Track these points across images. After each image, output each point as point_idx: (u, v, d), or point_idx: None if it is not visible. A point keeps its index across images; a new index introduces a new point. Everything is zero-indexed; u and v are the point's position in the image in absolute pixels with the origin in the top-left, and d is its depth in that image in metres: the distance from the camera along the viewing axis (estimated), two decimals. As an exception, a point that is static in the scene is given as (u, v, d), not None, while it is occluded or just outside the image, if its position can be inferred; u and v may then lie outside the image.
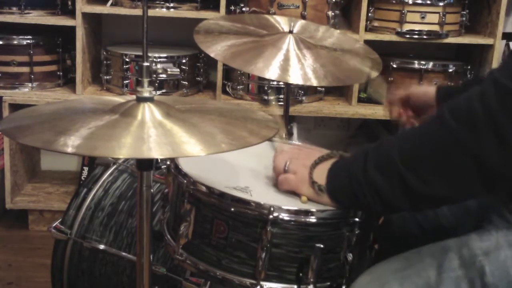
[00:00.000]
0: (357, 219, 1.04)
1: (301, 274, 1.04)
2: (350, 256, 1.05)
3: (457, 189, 0.95)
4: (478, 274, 0.96)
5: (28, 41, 2.42)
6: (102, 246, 1.48)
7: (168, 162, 1.18)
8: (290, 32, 1.55)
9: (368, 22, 2.43)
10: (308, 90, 2.47)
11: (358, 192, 1.00)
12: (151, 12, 2.34)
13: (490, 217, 1.07)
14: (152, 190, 1.06)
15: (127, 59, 2.39)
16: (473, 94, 0.93)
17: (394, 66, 2.45)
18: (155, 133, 0.94)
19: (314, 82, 1.46)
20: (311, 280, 1.03)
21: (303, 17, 2.32)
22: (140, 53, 1.04)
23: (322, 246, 1.03)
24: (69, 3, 2.43)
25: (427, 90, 1.42)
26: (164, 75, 2.39)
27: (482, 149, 0.90)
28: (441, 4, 2.39)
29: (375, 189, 0.99)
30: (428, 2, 2.40)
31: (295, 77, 1.44)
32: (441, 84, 1.34)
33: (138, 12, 2.34)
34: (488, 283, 0.95)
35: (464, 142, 0.91)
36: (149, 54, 2.24)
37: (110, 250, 1.47)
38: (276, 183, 1.11)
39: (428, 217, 1.28)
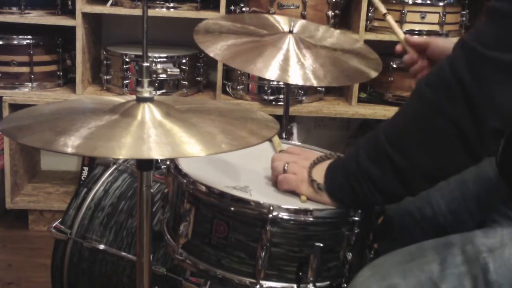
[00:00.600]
0: (356, 218, 1.04)
1: (300, 273, 1.04)
2: (349, 255, 1.06)
3: (442, 159, 0.95)
4: (481, 271, 0.95)
5: (28, 41, 2.42)
6: (102, 246, 1.48)
7: (168, 162, 1.18)
8: (290, 32, 1.55)
9: (368, 22, 2.43)
10: (308, 90, 2.47)
11: (355, 186, 1.01)
12: (151, 12, 2.34)
13: (493, 217, 1.07)
14: (152, 190, 1.06)
15: (127, 59, 2.40)
16: (444, 59, 0.94)
17: (394, 66, 2.45)
18: (155, 133, 0.94)
19: (314, 82, 1.46)
20: (311, 279, 1.03)
21: (303, 17, 2.32)
22: (140, 53, 1.04)
23: (321, 245, 1.03)
24: (69, 3, 2.43)
25: (446, 42, 1.39)
26: (164, 75, 2.39)
27: (458, 114, 0.91)
28: (441, 4, 2.40)
29: (369, 178, 0.99)
30: (428, 2, 2.40)
31: (295, 77, 1.44)
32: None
33: (138, 12, 2.34)
34: (491, 280, 0.94)
35: (440, 109, 0.92)
36: (149, 54, 2.22)
37: (110, 250, 1.47)
38: (276, 183, 1.11)
39: (427, 217, 1.28)
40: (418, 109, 0.96)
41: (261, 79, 2.39)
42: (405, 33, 1.49)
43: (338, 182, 1.04)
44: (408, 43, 1.43)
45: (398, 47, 1.45)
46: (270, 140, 1.32)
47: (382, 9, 1.52)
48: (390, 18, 1.50)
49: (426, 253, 1.00)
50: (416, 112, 0.96)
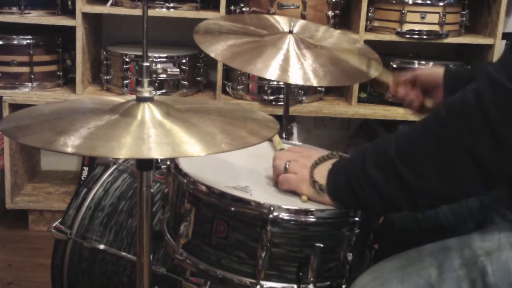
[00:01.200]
0: (357, 219, 1.04)
1: (301, 274, 1.04)
2: (350, 256, 1.05)
3: (454, 185, 0.95)
4: (479, 274, 0.95)
5: (28, 41, 2.42)
6: (102, 246, 1.48)
7: (168, 162, 1.18)
8: (290, 32, 1.55)
9: (368, 22, 2.43)
10: (308, 90, 2.47)
11: (358, 191, 1.01)
12: (151, 12, 2.34)
13: (492, 218, 1.07)
14: (152, 190, 1.06)
15: (127, 59, 2.39)
16: (468, 90, 0.93)
17: (394, 66, 2.45)
18: (155, 133, 0.94)
19: (314, 82, 1.46)
20: (311, 279, 1.03)
21: (303, 17, 2.32)
22: (140, 53, 1.04)
23: (322, 245, 1.03)
24: (69, 3, 2.43)
25: (434, 71, 1.41)
26: (164, 75, 2.39)
27: (477, 145, 0.90)
28: (441, 4, 2.39)
29: (373, 186, 0.99)
30: (428, 2, 2.40)
31: (295, 77, 1.44)
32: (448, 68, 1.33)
33: (138, 12, 2.34)
34: (489, 283, 0.95)
35: (459, 137, 0.92)
36: (149, 54, 2.22)
37: (110, 250, 1.47)
38: (276, 183, 1.11)
39: (428, 217, 1.28)
40: (434, 132, 0.95)
41: (261, 79, 2.39)
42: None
43: (340, 184, 1.04)
44: (395, 84, 1.46)
45: (392, 89, 1.48)
46: (270, 139, 1.32)
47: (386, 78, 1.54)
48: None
49: (424, 258, 1.00)
50: (432, 134, 0.95)
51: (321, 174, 1.07)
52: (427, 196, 0.98)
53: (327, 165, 1.07)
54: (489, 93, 0.90)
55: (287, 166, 1.10)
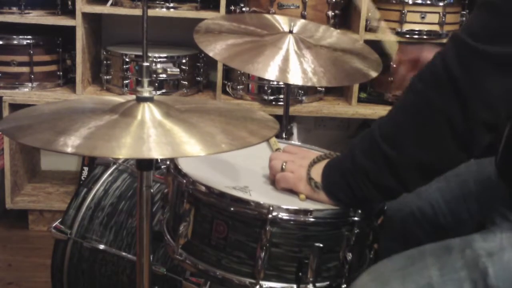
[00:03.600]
0: (356, 219, 1.04)
1: (300, 274, 1.04)
2: (349, 256, 1.05)
3: (433, 150, 0.95)
4: (481, 275, 0.95)
5: (28, 41, 2.42)
6: (102, 246, 1.48)
7: (168, 162, 1.18)
8: (290, 32, 1.55)
9: (368, 22, 2.43)
10: (308, 90, 2.47)
11: (351, 183, 1.01)
12: (151, 12, 2.34)
13: (492, 218, 1.07)
14: (152, 190, 1.06)
15: (127, 59, 2.39)
16: (436, 54, 0.94)
17: (394, 66, 2.45)
18: (155, 133, 0.94)
19: (314, 82, 1.46)
20: (310, 279, 1.03)
21: (303, 17, 2.32)
22: (140, 53, 1.04)
23: (321, 245, 1.03)
24: (69, 3, 2.43)
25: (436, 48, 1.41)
26: (164, 75, 2.40)
27: (447, 105, 0.91)
28: (441, 4, 2.39)
29: (364, 174, 1.00)
30: (428, 2, 2.40)
31: (295, 77, 1.44)
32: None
33: (138, 12, 2.34)
34: (491, 284, 0.94)
35: (432, 102, 0.93)
36: (149, 54, 2.24)
37: (110, 250, 1.47)
38: (274, 183, 1.11)
39: (427, 217, 1.28)
40: (410, 103, 0.97)
41: (261, 79, 2.39)
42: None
43: (335, 180, 1.04)
44: (399, 60, 1.47)
45: (394, 62, 1.50)
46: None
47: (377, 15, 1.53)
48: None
49: (425, 258, 1.00)
50: (408, 105, 0.97)
51: (317, 172, 1.07)
52: (413, 170, 0.97)
53: (323, 164, 1.08)
54: (452, 52, 0.91)
55: (283, 166, 1.10)
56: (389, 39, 1.50)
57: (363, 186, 1.00)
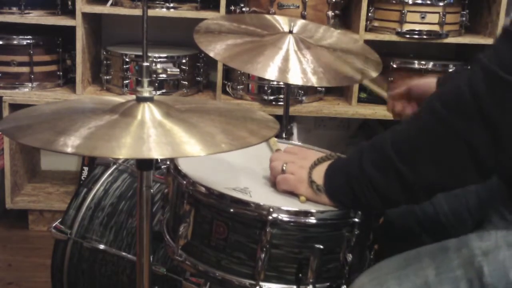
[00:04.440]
0: (356, 220, 1.04)
1: (300, 275, 1.04)
2: (349, 257, 1.05)
3: (452, 177, 0.96)
4: (476, 274, 0.95)
5: (28, 41, 2.42)
6: (102, 246, 1.48)
7: (168, 163, 1.18)
8: (290, 32, 1.55)
9: (368, 22, 2.43)
10: (308, 90, 2.47)
11: (356, 190, 1.01)
12: (151, 12, 2.34)
13: (490, 217, 1.07)
14: (152, 190, 1.06)
15: (127, 59, 2.39)
16: (461, 80, 0.93)
17: (394, 66, 2.45)
18: (155, 133, 0.94)
19: (314, 82, 1.46)
20: (311, 280, 1.03)
21: (303, 17, 2.32)
22: (140, 53, 1.04)
23: (321, 246, 1.02)
24: (69, 3, 2.43)
25: (428, 81, 1.41)
26: (164, 75, 2.39)
27: (473, 135, 0.91)
28: (441, 4, 2.39)
29: (372, 185, 0.99)
30: (428, 2, 2.39)
31: (294, 77, 1.44)
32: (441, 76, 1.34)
33: (138, 12, 2.34)
34: (486, 283, 0.94)
35: (455, 128, 0.92)
36: (149, 54, 2.23)
37: (110, 250, 1.47)
38: (275, 184, 1.11)
39: (428, 216, 1.28)
40: (430, 126, 0.95)
41: (261, 79, 2.38)
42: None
43: (339, 183, 1.04)
44: (392, 98, 1.47)
45: (388, 105, 1.49)
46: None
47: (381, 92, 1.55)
48: (367, 82, 1.54)
49: (422, 259, 1.00)
50: (427, 128, 0.96)
51: (319, 174, 1.07)
52: (426, 190, 0.99)
53: (325, 166, 1.08)
54: (483, 83, 0.90)
55: (284, 167, 1.10)
56: (379, 92, 1.52)
57: (368, 194, 1.01)
